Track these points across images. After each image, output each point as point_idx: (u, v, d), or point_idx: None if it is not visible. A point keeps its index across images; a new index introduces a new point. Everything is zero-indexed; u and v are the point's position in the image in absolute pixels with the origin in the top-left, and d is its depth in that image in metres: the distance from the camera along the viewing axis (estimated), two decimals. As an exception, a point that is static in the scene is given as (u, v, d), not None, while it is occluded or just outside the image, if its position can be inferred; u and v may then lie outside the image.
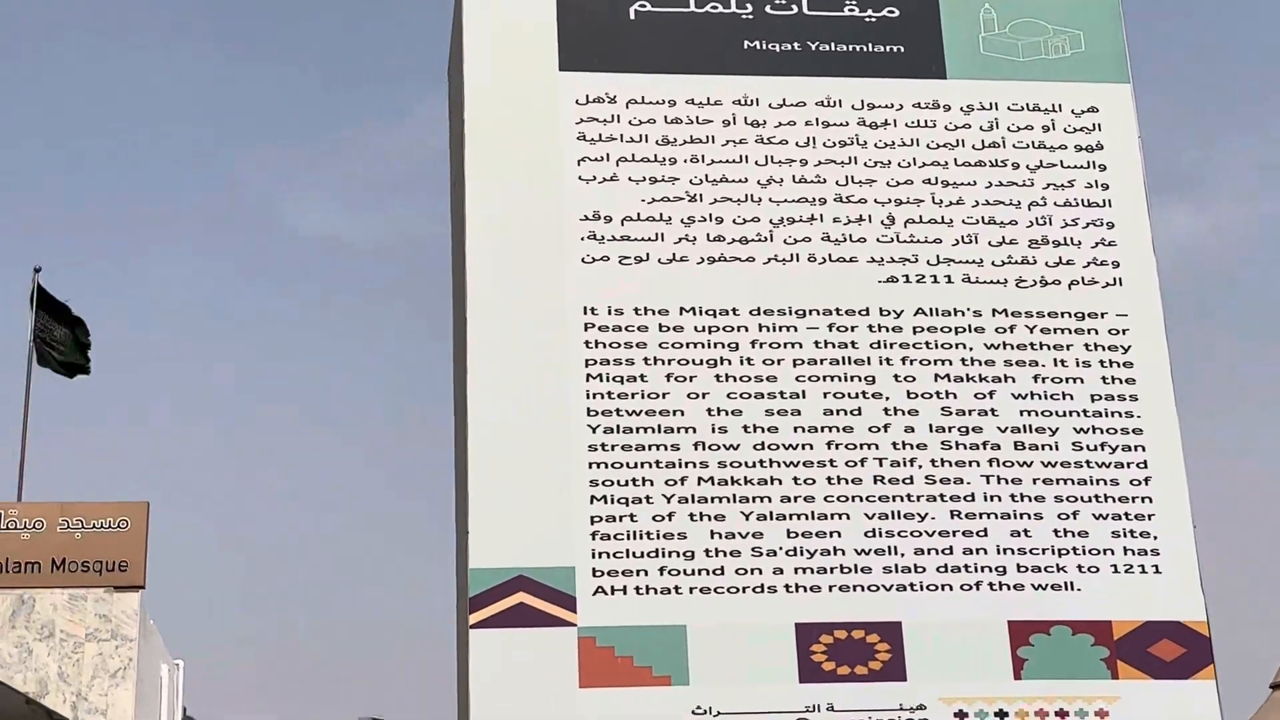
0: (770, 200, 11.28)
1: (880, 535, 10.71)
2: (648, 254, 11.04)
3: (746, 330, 11.10)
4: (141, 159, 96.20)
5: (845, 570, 10.62)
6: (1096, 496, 10.51)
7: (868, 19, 11.62)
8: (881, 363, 11.11)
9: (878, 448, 10.91)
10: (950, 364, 10.91)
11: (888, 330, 11.09)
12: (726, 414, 10.83)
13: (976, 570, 10.45)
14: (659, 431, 10.63)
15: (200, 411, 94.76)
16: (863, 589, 10.42)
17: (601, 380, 10.82)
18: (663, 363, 10.88)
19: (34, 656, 24.08)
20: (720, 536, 10.60)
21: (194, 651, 30.02)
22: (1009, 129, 11.41)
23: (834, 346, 10.99)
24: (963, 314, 11.05)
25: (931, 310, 11.12)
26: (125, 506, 24.70)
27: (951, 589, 10.43)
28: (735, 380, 10.97)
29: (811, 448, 10.83)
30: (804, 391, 10.98)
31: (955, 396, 10.88)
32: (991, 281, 11.05)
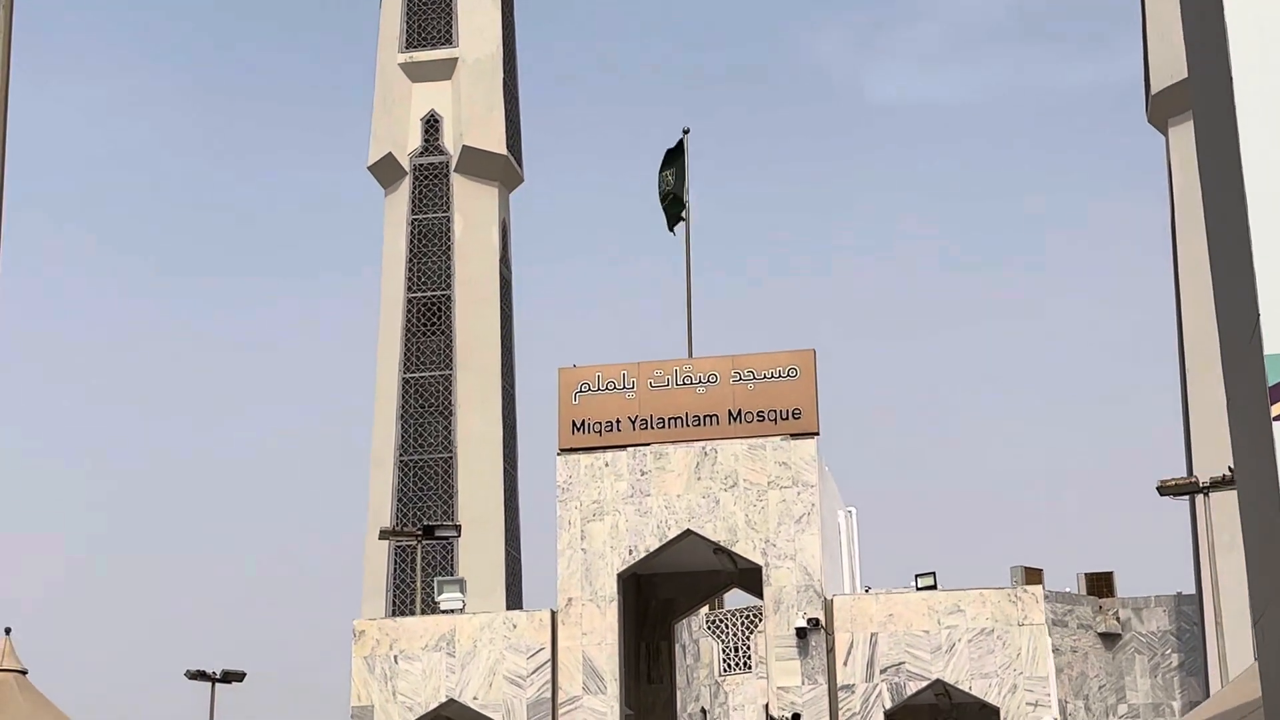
0: None
1: None
2: None
3: None
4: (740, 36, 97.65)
5: None
6: None
7: None
8: None
9: None
10: None
11: None
12: None
13: None
14: None
15: (845, 264, 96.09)
16: None
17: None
18: None
19: (720, 507, 24.65)
20: None
21: (860, 499, 30.19)
22: None
23: None
24: None
25: None
26: (793, 355, 24.82)
27: None
28: None
29: None
30: None
31: None
32: None
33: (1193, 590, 44.61)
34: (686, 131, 27.40)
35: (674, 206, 27.75)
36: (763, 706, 43.39)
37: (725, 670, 45.54)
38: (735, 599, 44.08)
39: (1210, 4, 10.16)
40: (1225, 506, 41.96)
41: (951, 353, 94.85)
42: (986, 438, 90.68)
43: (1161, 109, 45.57)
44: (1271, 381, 9.21)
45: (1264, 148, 9.62)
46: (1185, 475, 36.69)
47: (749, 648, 45.37)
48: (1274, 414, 9.16)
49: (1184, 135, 45.20)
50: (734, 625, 46.17)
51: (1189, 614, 45.10)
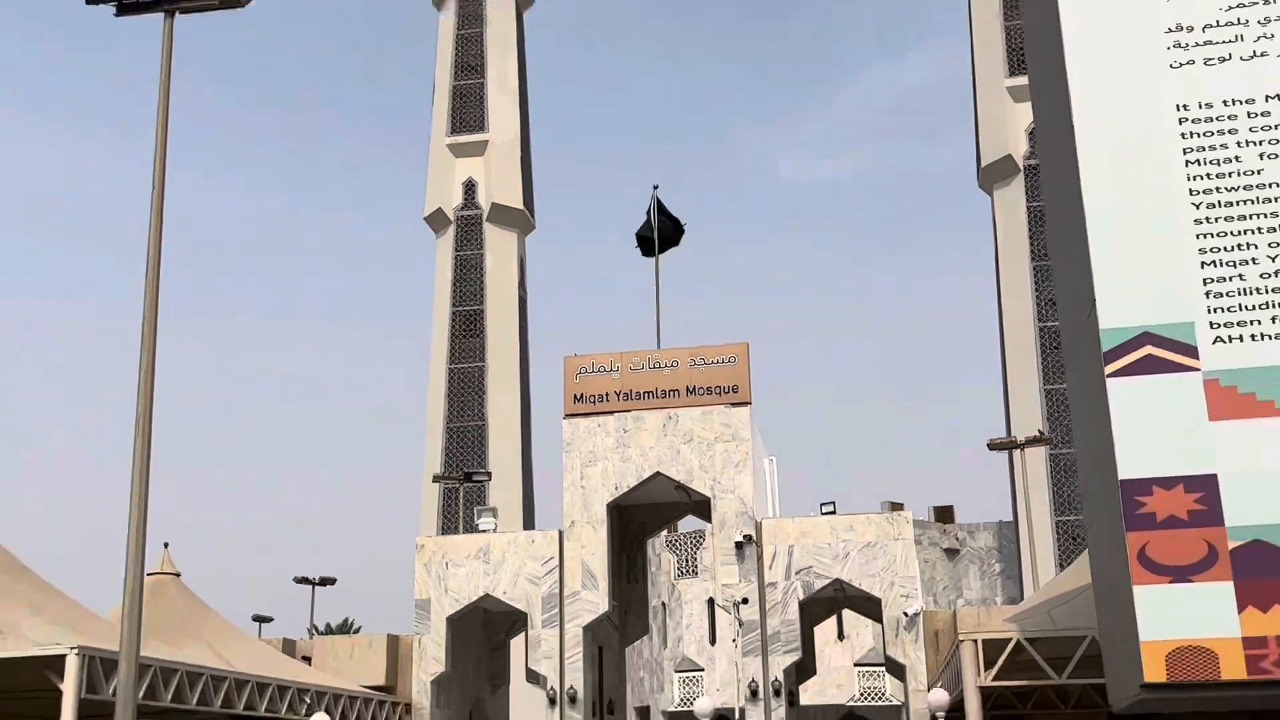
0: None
1: None
2: (1230, 54, 9.16)
3: (1333, 109, 8.99)
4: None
5: None
6: None
7: None
8: None
9: None
10: None
11: None
12: (1323, 183, 8.81)
13: None
14: (1258, 203, 8.79)
15: (778, 284, 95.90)
16: None
17: (1200, 164, 9.10)
18: (1254, 144, 9.02)
19: (680, 455, 23.99)
20: (1327, 289, 8.75)
21: (782, 451, 29.75)
22: None
23: None
24: None
25: None
26: (734, 347, 24.13)
27: None
28: (1328, 153, 8.93)
29: None
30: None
31: None
32: None
33: (1010, 519, 44.41)
34: (656, 187, 26.88)
35: (649, 244, 27.07)
36: (706, 601, 43.06)
37: (679, 575, 44.99)
38: (687, 524, 43.74)
39: (1051, 42, 9.69)
40: (1035, 459, 41.77)
41: (847, 348, 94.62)
42: (875, 406, 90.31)
43: (989, 177, 45.32)
44: (1105, 348, 8.81)
45: (1099, 170, 9.20)
46: (1006, 436, 36.35)
47: (696, 560, 44.84)
48: (1107, 373, 8.76)
49: (1006, 196, 44.93)
50: (686, 544, 45.68)
51: (1008, 534, 44.85)
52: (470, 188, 48.57)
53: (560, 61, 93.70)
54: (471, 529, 27.51)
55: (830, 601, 24.67)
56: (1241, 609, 8.26)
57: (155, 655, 17.06)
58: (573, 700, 22.86)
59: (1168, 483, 8.44)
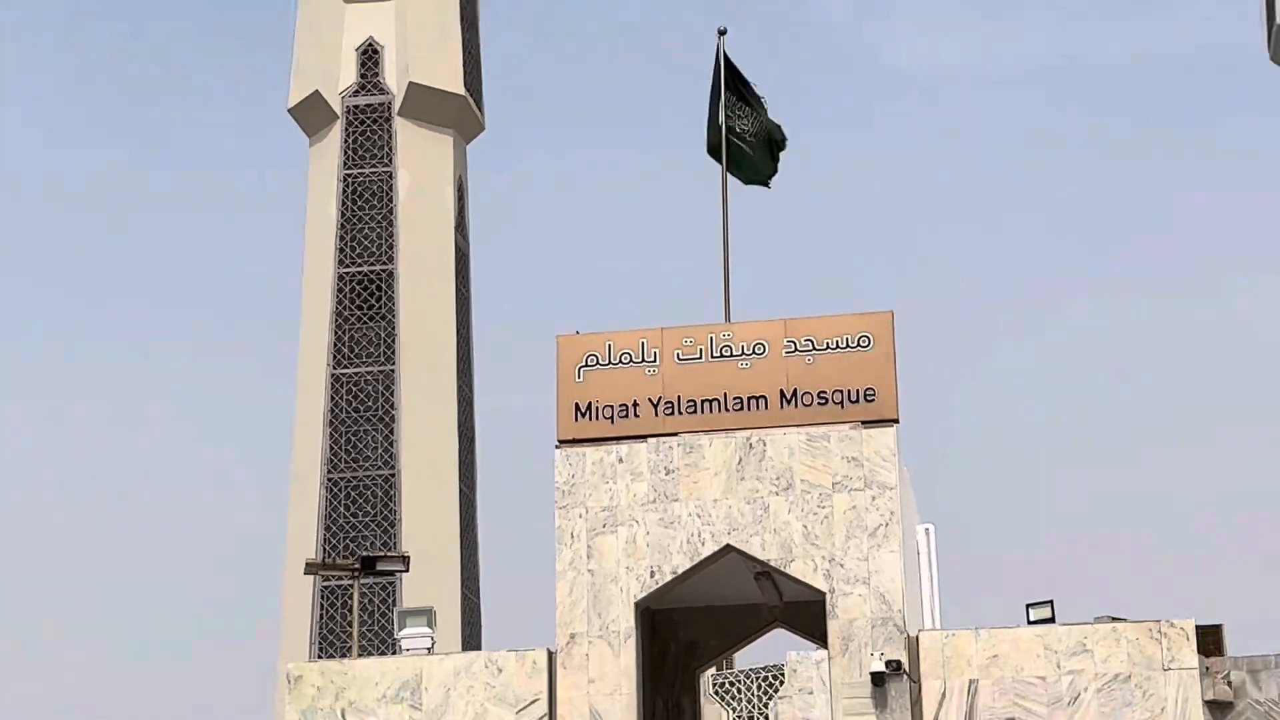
0: None
1: None
2: None
3: None
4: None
5: None
6: None
7: None
8: None
9: None
10: None
11: None
12: None
13: None
14: None
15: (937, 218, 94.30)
16: None
17: None
18: None
19: (771, 514, 23.73)
20: None
21: (939, 509, 29.11)
22: None
23: None
24: None
25: None
26: (866, 319, 24.22)
27: None
28: None
29: None
30: None
31: None
32: None
33: (1327, 649, 43.64)
34: (723, 33, 26.30)
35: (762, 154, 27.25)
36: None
37: (740, 746, 44.88)
38: (746, 656, 43.24)
39: None
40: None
41: (1062, 334, 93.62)
42: (1080, 444, 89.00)
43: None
44: None
45: None
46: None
47: (766, 718, 44.41)
48: None
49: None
50: (747, 691, 45.29)
51: (1323, 678, 44.16)
52: (371, 56, 49.07)
53: None
54: (380, 647, 27.16)
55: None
56: None
57: None
58: None
59: None
